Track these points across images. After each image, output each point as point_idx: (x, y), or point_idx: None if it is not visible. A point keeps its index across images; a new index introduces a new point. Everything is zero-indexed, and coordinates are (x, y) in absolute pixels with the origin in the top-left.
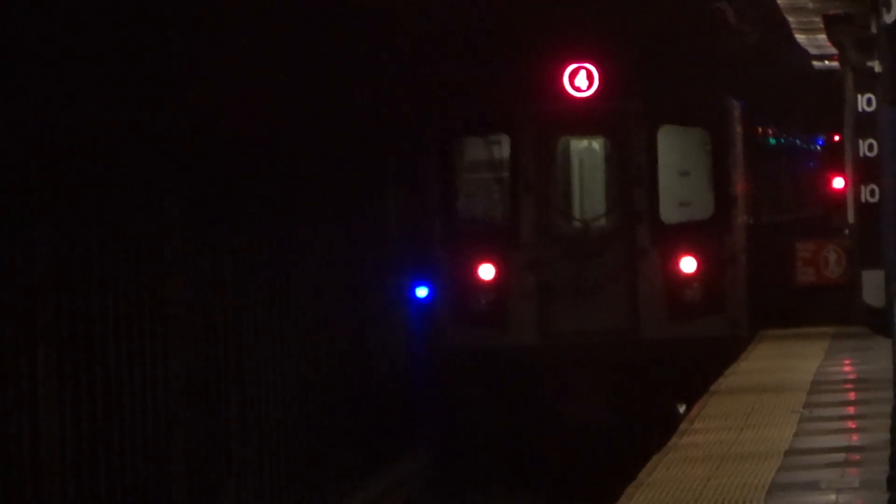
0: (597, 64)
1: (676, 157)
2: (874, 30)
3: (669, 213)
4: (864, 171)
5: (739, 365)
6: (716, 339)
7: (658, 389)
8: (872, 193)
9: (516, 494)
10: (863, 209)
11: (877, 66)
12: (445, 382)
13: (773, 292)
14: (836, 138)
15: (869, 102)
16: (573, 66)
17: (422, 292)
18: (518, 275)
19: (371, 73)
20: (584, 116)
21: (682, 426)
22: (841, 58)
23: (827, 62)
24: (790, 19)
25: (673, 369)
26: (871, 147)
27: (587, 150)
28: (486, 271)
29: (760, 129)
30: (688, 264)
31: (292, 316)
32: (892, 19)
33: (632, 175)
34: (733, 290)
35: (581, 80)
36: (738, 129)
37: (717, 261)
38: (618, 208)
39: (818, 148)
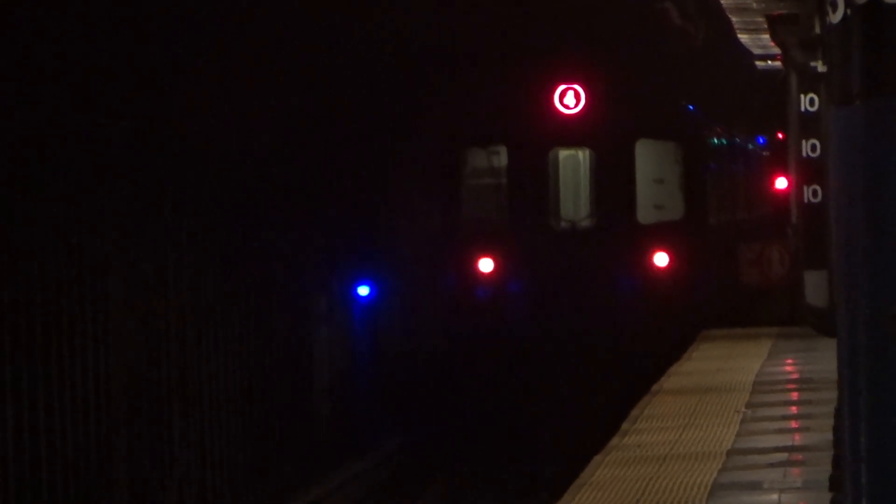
0: (583, 85)
1: (652, 167)
2: (818, 30)
3: (645, 214)
4: (806, 172)
5: (682, 365)
6: (688, 326)
7: (635, 373)
8: (815, 194)
9: (467, 490)
10: (806, 209)
11: (820, 67)
12: (448, 366)
13: (718, 293)
14: (780, 136)
15: (812, 102)
16: (562, 87)
17: (363, 291)
18: (513, 267)
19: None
20: (571, 131)
21: (624, 426)
22: (784, 58)
23: (770, 62)
24: (734, 19)
25: (650, 354)
26: (813, 147)
27: (574, 159)
28: (486, 265)
29: (708, 132)
30: (661, 259)
31: (236, 318)
32: (839, 19)
33: (612, 182)
34: (701, 283)
35: (569, 100)
36: (702, 139)
37: (687, 256)
38: (600, 210)
39: (762, 148)
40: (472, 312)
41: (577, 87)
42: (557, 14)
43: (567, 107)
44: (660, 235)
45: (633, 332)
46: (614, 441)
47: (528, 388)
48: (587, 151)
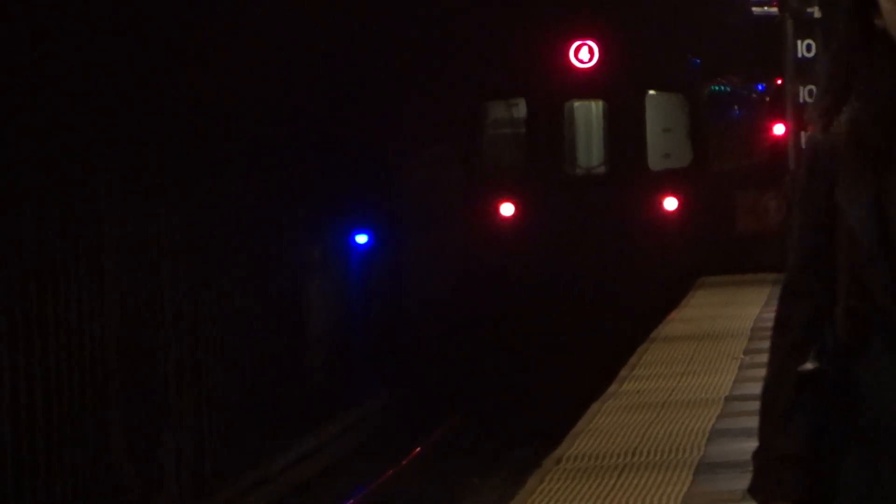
0: (596, 41)
1: (661, 117)
2: None
3: (655, 162)
4: (803, 118)
5: (681, 311)
6: (693, 270)
7: (641, 315)
8: None
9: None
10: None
11: (816, 12)
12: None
13: (715, 240)
14: (779, 82)
15: (808, 48)
16: (577, 42)
17: (361, 239)
18: (532, 211)
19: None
20: (586, 84)
21: (623, 373)
22: (780, 3)
23: (766, 8)
24: None
25: (656, 296)
26: (810, 93)
27: (588, 110)
28: (507, 209)
29: (711, 82)
30: (670, 203)
31: (230, 265)
32: None
33: (624, 131)
34: (706, 228)
35: (584, 55)
36: (706, 90)
37: (693, 201)
38: (613, 158)
39: (760, 94)
40: (492, 254)
41: (590, 42)
42: None
43: (581, 61)
44: (669, 181)
45: (642, 273)
46: (612, 388)
47: (535, 333)
48: (601, 103)
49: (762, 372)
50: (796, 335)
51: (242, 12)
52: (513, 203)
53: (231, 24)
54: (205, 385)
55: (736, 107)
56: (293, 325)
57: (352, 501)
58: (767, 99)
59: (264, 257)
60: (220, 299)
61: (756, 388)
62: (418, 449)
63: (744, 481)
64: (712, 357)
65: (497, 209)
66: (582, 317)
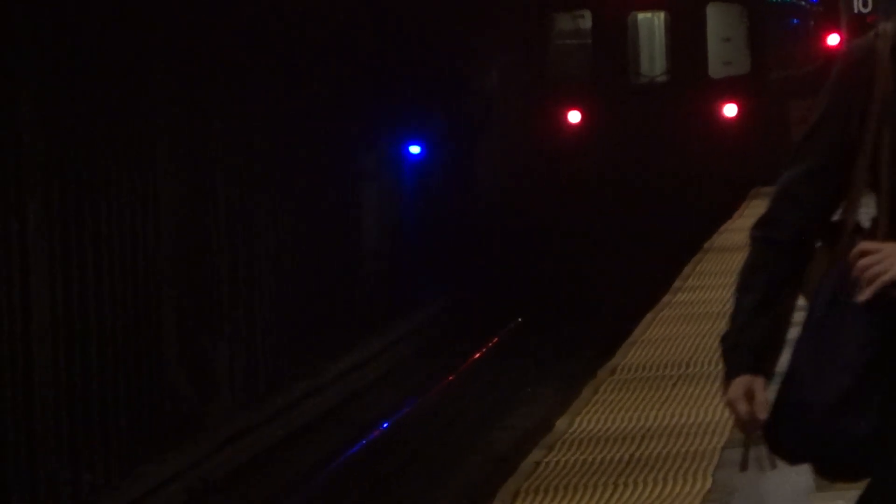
0: None
1: (720, 27)
2: None
3: (715, 70)
4: (858, 27)
5: (734, 222)
6: (752, 176)
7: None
8: None
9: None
10: None
11: None
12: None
13: (767, 147)
14: None
15: None
16: None
17: (415, 150)
18: (598, 118)
19: None
20: None
21: (676, 283)
22: None
23: None
24: None
25: (717, 202)
26: (864, 3)
27: (651, 21)
28: (574, 116)
29: None
30: (730, 109)
31: (284, 173)
32: None
33: (686, 41)
34: (768, 132)
35: None
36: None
37: (753, 108)
38: (675, 66)
39: (816, 5)
40: (558, 160)
41: None
42: None
43: None
44: (729, 88)
45: (703, 179)
46: (666, 298)
47: (597, 240)
48: (663, 14)
49: None
50: (783, 234)
51: None
52: (579, 111)
53: None
54: (258, 293)
55: (791, 16)
56: (348, 233)
57: (405, 410)
58: (821, 8)
59: (319, 165)
60: (274, 207)
61: None
62: (474, 355)
63: None
64: None
65: (564, 117)
66: (643, 223)
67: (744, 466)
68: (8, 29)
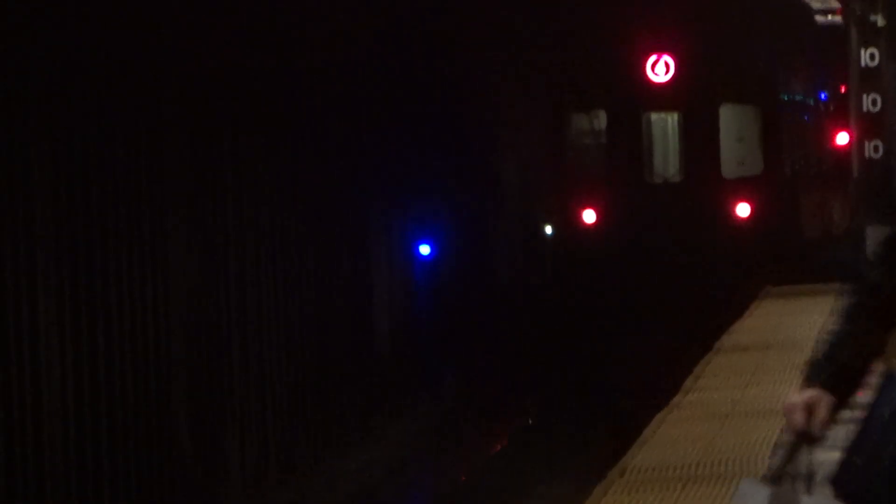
0: (672, 55)
1: (734, 127)
2: None
3: (729, 170)
4: (867, 127)
5: (744, 322)
6: (766, 270)
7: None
8: (876, 149)
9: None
10: (867, 164)
11: (880, 20)
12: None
13: (779, 246)
14: (843, 90)
15: (872, 57)
16: (654, 56)
17: (425, 250)
18: (613, 218)
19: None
20: (663, 96)
21: (687, 384)
22: (844, 11)
23: (830, 16)
24: None
25: (729, 300)
26: (874, 102)
27: (665, 122)
28: (589, 216)
29: (780, 91)
30: (743, 209)
31: (295, 256)
32: None
33: (699, 141)
34: (780, 232)
35: (660, 69)
36: (776, 100)
37: (766, 207)
38: (689, 166)
39: (824, 103)
40: (574, 255)
41: (667, 57)
42: None
43: (658, 75)
44: (742, 188)
45: (717, 278)
46: (677, 398)
47: (609, 334)
48: (676, 115)
49: None
50: (883, 290)
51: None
52: (594, 210)
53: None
54: (270, 378)
55: (803, 114)
56: (361, 314)
57: None
58: (831, 108)
59: (334, 244)
60: (287, 288)
61: None
62: (485, 451)
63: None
64: (777, 367)
65: (580, 215)
66: (657, 321)
67: (776, 479)
68: (21, 108)
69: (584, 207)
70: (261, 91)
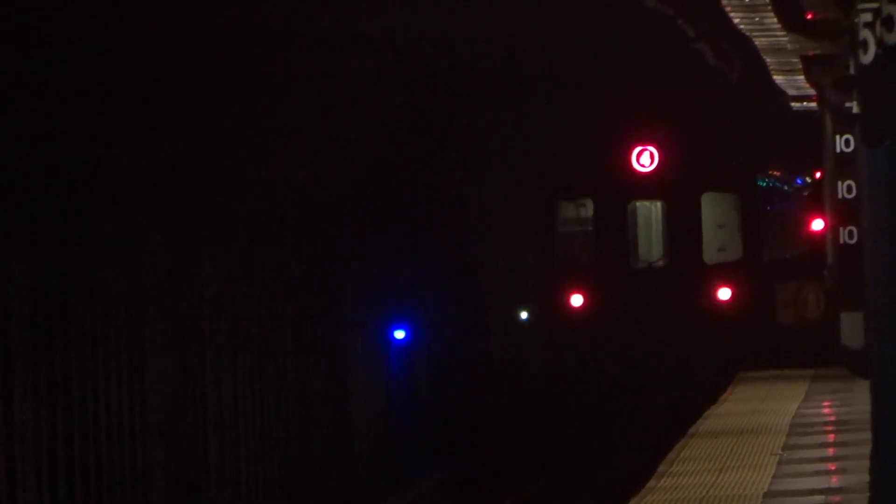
0: (656, 147)
1: (715, 215)
2: (852, 70)
3: (710, 255)
4: (842, 213)
5: (719, 407)
6: (745, 353)
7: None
8: (851, 235)
9: None
10: (841, 251)
11: (855, 107)
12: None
13: (753, 332)
14: (818, 175)
15: (847, 143)
16: (639, 148)
17: (399, 335)
18: (599, 301)
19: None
20: (647, 186)
21: (661, 468)
22: (819, 98)
23: (805, 103)
24: (769, 60)
25: (710, 379)
26: (849, 188)
27: (649, 210)
28: (576, 300)
29: (758, 179)
30: (724, 293)
31: (272, 358)
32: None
33: (682, 228)
34: (757, 314)
35: (645, 159)
36: (754, 188)
37: (745, 291)
38: (672, 252)
39: (800, 188)
40: (562, 339)
41: (651, 148)
42: (634, 86)
43: (643, 165)
44: (723, 273)
45: (700, 355)
46: (651, 483)
47: (591, 414)
48: (660, 203)
49: (802, 467)
50: None
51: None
52: (581, 294)
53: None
54: (245, 473)
55: (780, 201)
56: (337, 416)
57: None
58: (806, 193)
59: (309, 345)
60: (264, 388)
61: (795, 484)
62: None
63: None
64: (751, 452)
65: (567, 300)
66: (636, 402)
67: None
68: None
69: (572, 291)
70: (242, 202)
